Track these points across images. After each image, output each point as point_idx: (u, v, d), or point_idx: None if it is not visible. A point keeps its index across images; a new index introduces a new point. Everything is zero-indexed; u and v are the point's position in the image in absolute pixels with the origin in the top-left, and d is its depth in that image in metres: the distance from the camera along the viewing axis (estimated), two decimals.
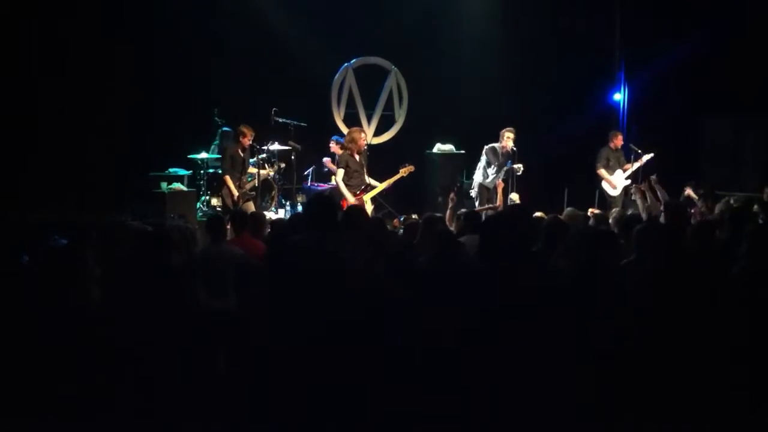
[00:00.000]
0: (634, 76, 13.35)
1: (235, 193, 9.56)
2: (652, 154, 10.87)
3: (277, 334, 4.00)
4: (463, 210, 7.81)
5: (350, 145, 9.53)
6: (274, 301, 4.13)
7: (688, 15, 12.16)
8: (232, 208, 9.38)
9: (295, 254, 4.15)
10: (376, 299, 4.14)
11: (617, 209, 8.51)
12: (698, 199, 8.50)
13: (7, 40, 10.04)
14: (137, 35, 10.75)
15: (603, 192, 11.08)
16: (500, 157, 10.34)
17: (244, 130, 9.60)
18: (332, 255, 4.08)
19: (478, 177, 10.56)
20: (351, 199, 9.33)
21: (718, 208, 7.21)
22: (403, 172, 9.60)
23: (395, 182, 9.67)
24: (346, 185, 9.37)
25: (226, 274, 5.12)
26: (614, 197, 10.95)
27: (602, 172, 11.04)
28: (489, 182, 10.40)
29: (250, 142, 9.71)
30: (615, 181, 10.96)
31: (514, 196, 9.91)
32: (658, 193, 8.66)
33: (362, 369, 3.88)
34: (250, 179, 10.02)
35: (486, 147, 10.46)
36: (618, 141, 11.17)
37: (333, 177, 10.77)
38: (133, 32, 10.72)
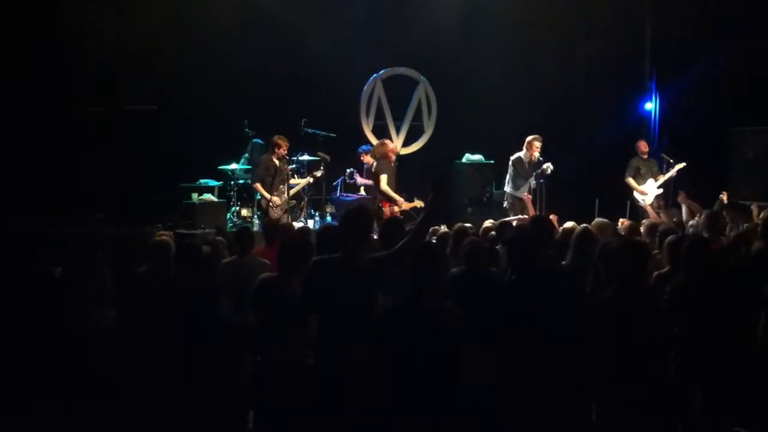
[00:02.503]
0: (665, 86, 13.21)
1: (269, 197, 9.63)
2: (684, 164, 10.73)
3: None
4: (490, 221, 7.78)
5: (385, 156, 9.68)
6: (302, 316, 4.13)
7: (720, 24, 12.00)
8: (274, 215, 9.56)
9: (324, 273, 4.11)
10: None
11: (649, 219, 8.41)
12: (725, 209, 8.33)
13: (24, 48, 10.22)
14: (167, 46, 10.87)
15: (634, 202, 10.95)
16: (527, 166, 10.22)
17: (279, 141, 9.72)
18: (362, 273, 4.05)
19: (508, 188, 10.43)
20: (404, 204, 9.49)
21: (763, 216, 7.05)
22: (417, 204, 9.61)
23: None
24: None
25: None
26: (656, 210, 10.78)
27: (630, 181, 10.93)
28: (520, 192, 10.29)
29: (285, 153, 9.82)
30: (645, 190, 10.81)
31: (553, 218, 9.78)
32: (688, 207, 8.61)
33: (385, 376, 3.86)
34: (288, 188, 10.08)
35: (512, 157, 10.34)
36: (642, 147, 11.02)
37: (362, 188, 10.81)
38: (163, 43, 10.83)
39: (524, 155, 10.22)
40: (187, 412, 4.05)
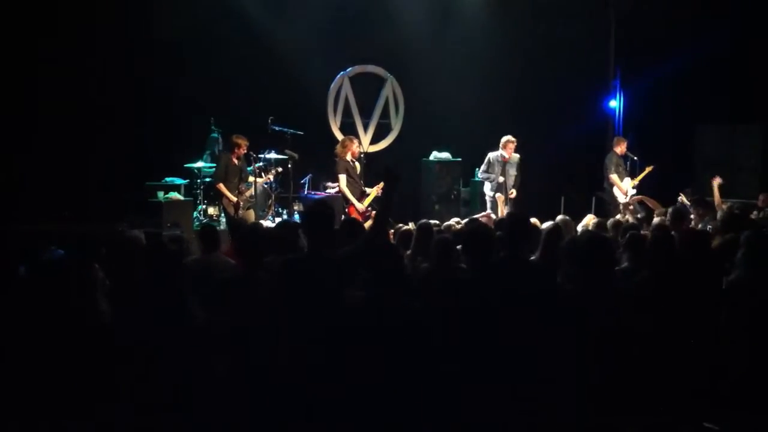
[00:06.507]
0: (629, 84, 13.36)
1: (233, 198, 9.58)
2: (651, 167, 10.81)
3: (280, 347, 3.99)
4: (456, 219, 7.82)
5: (344, 152, 9.70)
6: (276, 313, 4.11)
7: (684, 23, 12.16)
8: (234, 215, 9.48)
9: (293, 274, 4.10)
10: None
11: (615, 217, 8.49)
12: (690, 206, 8.46)
13: (8, 47, 10.06)
14: (135, 44, 10.76)
15: (613, 198, 10.97)
16: (498, 165, 10.37)
17: (239, 141, 9.63)
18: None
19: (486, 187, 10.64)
20: (358, 206, 9.49)
21: (718, 215, 7.18)
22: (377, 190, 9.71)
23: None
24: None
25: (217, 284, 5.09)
26: (623, 204, 10.84)
27: (614, 178, 10.87)
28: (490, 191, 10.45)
29: (245, 152, 9.77)
30: (624, 189, 10.84)
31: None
32: (648, 203, 8.74)
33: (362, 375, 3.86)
34: (248, 186, 10.02)
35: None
36: (622, 147, 11.08)
37: (326, 185, 10.78)
38: (130, 41, 10.73)
39: (493, 156, 10.33)
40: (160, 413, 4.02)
